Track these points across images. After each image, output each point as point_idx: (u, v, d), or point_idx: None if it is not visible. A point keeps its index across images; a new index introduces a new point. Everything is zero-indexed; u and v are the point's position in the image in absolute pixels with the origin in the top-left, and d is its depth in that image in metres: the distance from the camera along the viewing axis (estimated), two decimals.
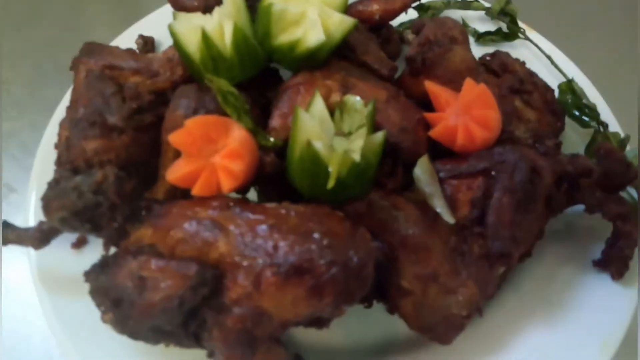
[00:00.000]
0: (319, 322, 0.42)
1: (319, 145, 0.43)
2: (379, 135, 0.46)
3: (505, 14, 0.70)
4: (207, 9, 0.55)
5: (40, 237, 0.45)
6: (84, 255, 0.52)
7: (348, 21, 0.50)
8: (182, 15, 0.49)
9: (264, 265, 0.38)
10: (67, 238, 0.52)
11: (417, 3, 0.65)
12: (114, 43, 0.68)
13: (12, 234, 0.45)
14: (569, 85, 0.60)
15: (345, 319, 0.52)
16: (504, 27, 0.70)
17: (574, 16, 0.91)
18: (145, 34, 0.69)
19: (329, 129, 0.47)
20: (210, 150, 0.45)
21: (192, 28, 0.49)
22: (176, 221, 0.42)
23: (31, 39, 0.86)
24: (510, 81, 0.54)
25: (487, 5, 0.72)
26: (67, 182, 0.39)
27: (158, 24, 0.71)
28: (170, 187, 0.50)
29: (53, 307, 0.48)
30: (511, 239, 0.45)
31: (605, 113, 0.61)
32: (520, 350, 0.47)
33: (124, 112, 0.48)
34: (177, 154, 0.50)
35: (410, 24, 0.68)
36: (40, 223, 0.46)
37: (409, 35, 0.66)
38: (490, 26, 0.71)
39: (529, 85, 0.55)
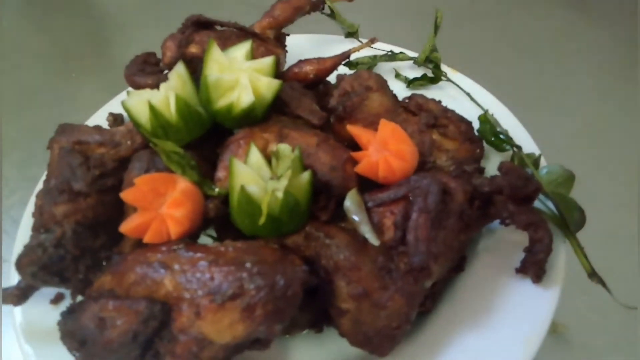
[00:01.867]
0: (259, 343, 0.47)
1: (252, 189, 0.50)
2: (305, 175, 0.53)
3: (430, 61, 0.79)
4: (159, 85, 0.64)
5: (19, 294, 0.52)
6: (61, 310, 0.58)
7: (275, 83, 0.58)
8: (133, 92, 0.58)
9: (202, 295, 0.44)
10: (46, 296, 0.58)
11: (347, 61, 0.74)
12: (89, 122, 0.77)
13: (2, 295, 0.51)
14: (485, 116, 0.68)
15: (301, 344, 0.58)
16: (429, 72, 0.79)
17: (494, 57, 1.02)
18: (115, 111, 0.78)
19: (265, 175, 0.54)
20: (159, 203, 0.52)
21: (141, 102, 0.57)
22: (130, 266, 0.49)
23: (21, 126, 0.96)
24: (426, 118, 0.62)
25: (413, 55, 0.81)
26: (34, 240, 0.46)
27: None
28: (135, 242, 0.57)
29: (35, 355, 0.54)
30: (428, 253, 0.51)
31: (523, 136, 0.68)
32: (453, 355, 0.51)
33: (87, 178, 0.56)
34: (134, 212, 0.57)
35: None
36: (19, 282, 0.52)
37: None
38: (420, 72, 0.80)
39: (444, 119, 0.62)
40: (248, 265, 0.45)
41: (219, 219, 0.55)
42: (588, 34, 1.06)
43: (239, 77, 0.58)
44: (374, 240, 0.53)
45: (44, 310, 0.58)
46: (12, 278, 0.71)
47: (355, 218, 0.55)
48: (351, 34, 0.83)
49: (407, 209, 0.53)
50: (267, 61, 0.60)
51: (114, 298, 0.47)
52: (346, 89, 0.60)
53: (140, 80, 0.64)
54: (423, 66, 0.80)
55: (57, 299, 0.58)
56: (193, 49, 0.65)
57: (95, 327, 0.46)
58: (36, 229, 0.55)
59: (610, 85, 0.95)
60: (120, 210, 0.58)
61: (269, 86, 0.59)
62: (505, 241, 0.61)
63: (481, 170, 0.64)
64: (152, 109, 0.55)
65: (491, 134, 0.66)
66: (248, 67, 0.59)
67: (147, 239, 0.50)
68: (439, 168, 0.62)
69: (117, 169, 0.60)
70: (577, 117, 0.89)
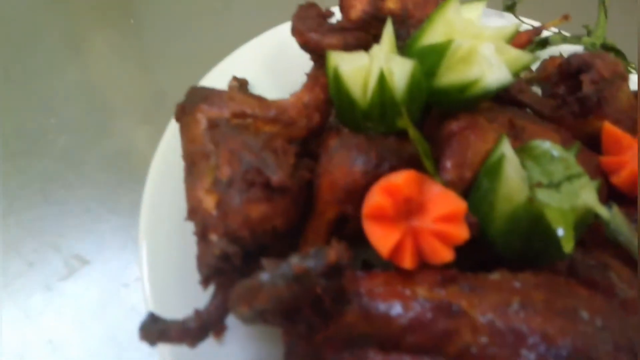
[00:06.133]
0: None
1: (543, 200, 0.37)
2: (593, 184, 0.40)
3: (608, 48, 0.67)
4: (346, 48, 0.49)
5: (199, 332, 0.36)
6: (225, 346, 0.43)
7: (525, 58, 0.45)
8: (346, 56, 0.43)
9: (537, 358, 0.31)
10: None
11: (540, 38, 0.61)
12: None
13: (173, 331, 0.35)
14: None
15: None
16: None
17: None
18: (231, 73, 0.61)
19: (524, 180, 0.41)
20: (404, 212, 0.38)
21: (359, 69, 0.42)
22: (391, 303, 0.34)
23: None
24: None
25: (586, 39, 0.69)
26: (278, 265, 0.31)
27: (243, 63, 0.64)
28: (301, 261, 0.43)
29: None
30: None
31: None
32: None
33: (286, 167, 0.40)
34: (334, 217, 0.43)
35: None
36: (199, 313, 0.37)
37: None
38: None
39: None
40: (585, 315, 0.32)
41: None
42: None
43: (477, 47, 0.44)
44: None
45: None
46: (107, 291, 0.56)
47: (623, 239, 0.43)
48: (513, 5, 0.70)
49: None
50: (509, 30, 0.46)
51: (382, 350, 0.32)
52: (603, 75, 0.47)
53: (322, 39, 0.48)
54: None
55: (220, 331, 0.43)
56: (391, 4, 0.49)
57: None
58: (209, 233, 0.39)
59: None
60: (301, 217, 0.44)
61: (515, 62, 0.45)
62: None
63: None
64: (383, 80, 0.40)
65: None
66: (491, 34, 0.45)
67: (408, 263, 0.35)
68: None
69: (299, 156, 0.45)
70: None
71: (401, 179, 0.36)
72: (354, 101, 0.42)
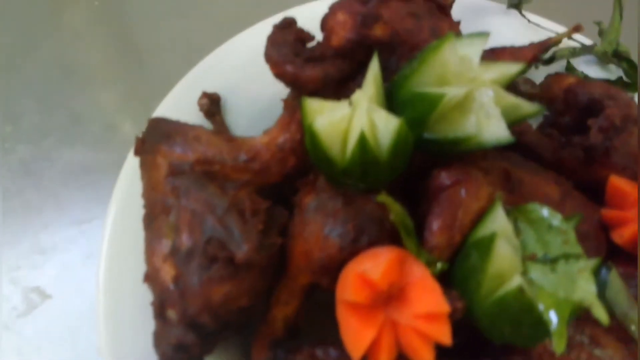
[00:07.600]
0: None
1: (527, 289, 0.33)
2: (590, 264, 0.37)
3: (620, 56, 0.61)
4: (327, 80, 0.43)
5: None
6: None
7: (526, 108, 0.39)
8: (322, 105, 0.37)
9: None
10: None
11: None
12: (161, 110, 0.53)
13: None
14: None
15: None
16: (612, 70, 0.62)
17: None
18: (200, 88, 0.55)
19: (517, 251, 0.37)
20: (383, 298, 0.34)
21: (336, 124, 0.36)
22: None
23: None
24: None
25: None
26: None
27: (215, 71, 0.57)
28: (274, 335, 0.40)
29: None
30: None
31: None
32: None
33: (252, 238, 0.36)
34: (307, 283, 0.39)
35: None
36: None
37: (522, 86, 0.57)
38: (597, 70, 0.63)
39: None
40: None
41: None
42: None
43: (474, 92, 0.39)
44: None
45: None
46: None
47: (619, 310, 0.40)
48: (519, 3, 0.63)
49: None
50: (513, 69, 0.40)
51: None
52: (614, 122, 0.42)
53: (300, 72, 0.42)
54: (607, 62, 0.62)
55: None
56: (379, 31, 0.43)
57: None
58: (167, 312, 0.36)
59: None
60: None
61: (516, 110, 0.39)
62: None
63: None
64: (363, 141, 0.35)
65: None
66: (491, 78, 0.39)
67: None
68: None
69: (269, 212, 0.40)
70: None
71: (378, 273, 0.32)
72: (331, 159, 0.37)
